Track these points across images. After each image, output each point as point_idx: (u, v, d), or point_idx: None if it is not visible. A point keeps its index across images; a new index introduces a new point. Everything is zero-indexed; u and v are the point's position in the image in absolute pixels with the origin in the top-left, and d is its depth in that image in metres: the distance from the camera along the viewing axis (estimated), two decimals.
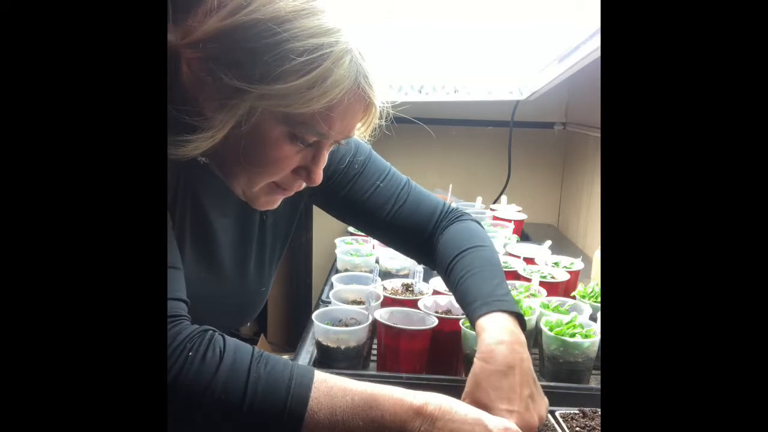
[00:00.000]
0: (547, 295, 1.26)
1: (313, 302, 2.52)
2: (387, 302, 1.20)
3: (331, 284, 1.37)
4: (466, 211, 1.05)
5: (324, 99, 0.69)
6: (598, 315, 1.12)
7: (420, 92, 2.04)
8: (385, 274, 1.49)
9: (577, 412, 0.92)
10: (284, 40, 0.66)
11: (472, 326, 0.87)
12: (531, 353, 0.89)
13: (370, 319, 1.10)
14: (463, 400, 0.79)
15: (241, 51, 0.67)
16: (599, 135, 1.92)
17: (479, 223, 1.02)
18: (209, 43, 0.68)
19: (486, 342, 0.81)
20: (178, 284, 0.70)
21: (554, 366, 1.05)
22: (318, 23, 0.68)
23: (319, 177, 0.78)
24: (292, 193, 0.81)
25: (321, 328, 1.08)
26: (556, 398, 0.93)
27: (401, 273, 1.51)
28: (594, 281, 1.39)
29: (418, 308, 1.15)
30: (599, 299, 1.23)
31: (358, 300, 1.26)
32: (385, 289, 1.29)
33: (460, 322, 1.06)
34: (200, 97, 0.71)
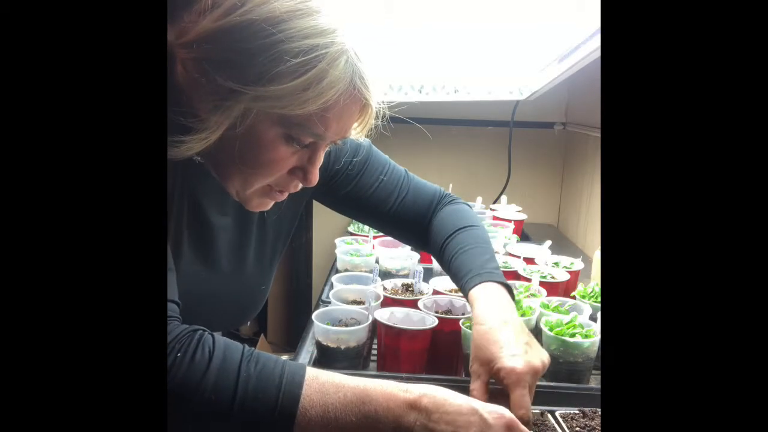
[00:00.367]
0: (547, 295, 1.26)
1: (313, 302, 2.52)
2: (387, 302, 1.20)
3: (331, 284, 1.37)
4: (461, 198, 1.10)
5: (319, 100, 0.68)
6: (598, 315, 1.12)
7: (420, 92, 2.04)
8: (385, 274, 1.49)
9: (577, 412, 0.91)
10: (279, 41, 0.66)
11: (465, 297, 0.93)
12: None
13: (370, 319, 1.10)
14: (472, 364, 0.86)
15: (235, 52, 0.67)
16: (599, 135, 1.92)
17: (469, 206, 1.09)
18: (203, 44, 0.67)
19: (478, 308, 0.88)
20: (169, 286, 0.69)
21: (554, 366, 1.05)
22: (313, 24, 0.67)
23: (315, 177, 0.78)
24: (285, 196, 0.81)
25: (321, 328, 1.08)
26: (556, 398, 0.93)
27: (401, 273, 1.50)
28: (594, 281, 1.39)
29: (418, 308, 1.15)
30: (599, 299, 1.23)
31: (358, 300, 1.26)
32: (385, 289, 1.29)
33: (460, 322, 1.06)
34: (195, 97, 0.70)
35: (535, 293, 1.26)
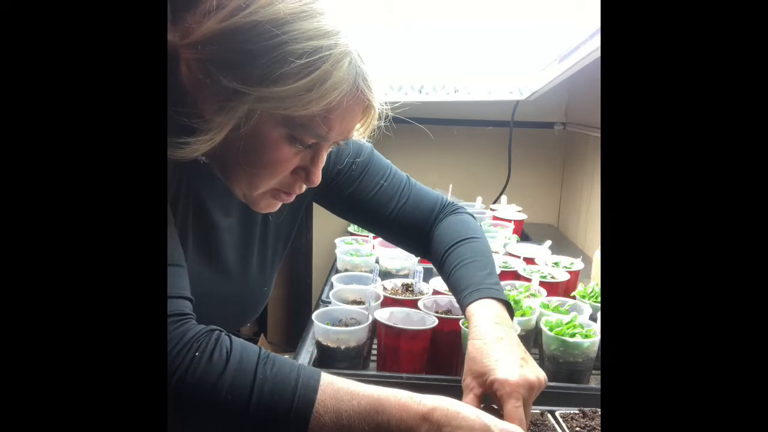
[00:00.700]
0: (547, 295, 1.26)
1: (313, 302, 2.52)
2: (387, 302, 1.20)
3: (331, 284, 1.37)
4: (464, 208, 1.08)
5: (323, 101, 0.69)
6: (598, 315, 1.12)
7: (420, 92, 2.04)
8: (385, 274, 1.49)
9: (577, 412, 0.92)
10: (283, 42, 0.66)
11: (463, 313, 0.92)
12: (531, 353, 0.90)
13: (370, 319, 1.10)
14: (465, 378, 0.85)
15: (239, 53, 0.67)
16: (599, 135, 1.92)
17: (473, 216, 1.07)
18: (208, 45, 0.67)
19: (475, 324, 0.87)
20: (182, 282, 0.69)
21: (554, 366, 1.05)
22: (317, 25, 0.67)
23: (318, 178, 0.78)
24: (293, 197, 0.81)
25: (321, 328, 1.08)
26: (556, 398, 0.93)
27: (401, 273, 1.51)
28: (594, 281, 1.39)
29: (418, 308, 1.15)
30: (599, 299, 1.23)
31: (358, 300, 1.26)
32: (385, 289, 1.29)
33: (460, 322, 1.06)
34: (199, 98, 0.71)
35: (535, 293, 1.26)
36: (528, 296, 1.23)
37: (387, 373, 1.05)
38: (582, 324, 1.08)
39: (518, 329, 0.93)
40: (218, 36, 0.67)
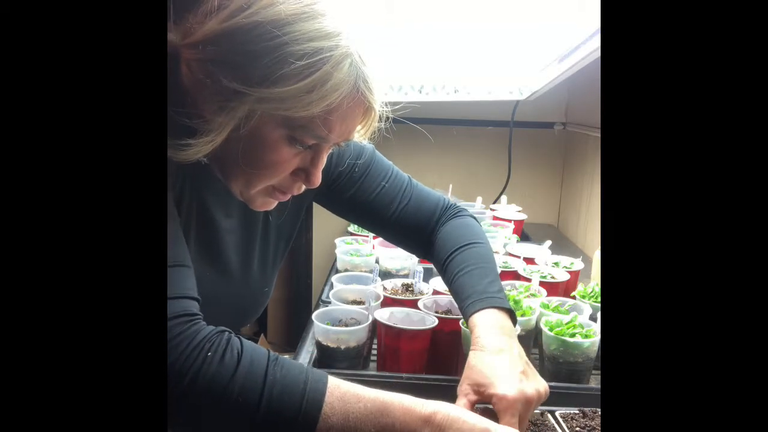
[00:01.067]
0: (547, 295, 1.26)
1: (313, 302, 2.52)
2: (387, 302, 1.20)
3: (331, 284, 1.37)
4: (467, 210, 1.08)
5: (323, 103, 0.69)
6: (598, 315, 1.12)
7: (420, 92, 2.04)
8: (385, 274, 1.49)
9: (577, 412, 0.92)
10: (284, 43, 0.66)
11: (466, 322, 0.92)
12: (531, 353, 0.91)
13: (370, 319, 1.10)
14: (462, 384, 0.84)
15: (240, 53, 0.67)
16: (599, 135, 1.92)
17: (476, 219, 1.07)
18: (209, 45, 0.68)
19: (478, 335, 0.87)
20: (190, 282, 0.70)
21: (554, 366, 1.05)
22: (318, 27, 0.68)
23: (318, 179, 0.78)
24: (288, 197, 0.81)
25: (321, 328, 1.08)
26: (556, 398, 0.93)
27: (401, 273, 1.51)
28: (594, 281, 1.39)
29: (418, 308, 1.15)
30: (599, 299, 1.23)
31: (358, 300, 1.26)
32: (385, 289, 1.29)
33: (460, 322, 1.06)
34: (199, 98, 0.71)
35: (535, 293, 1.26)
36: (528, 296, 1.23)
37: (387, 373, 1.05)
38: (582, 324, 1.08)
39: (518, 329, 0.93)
40: (219, 36, 0.67)
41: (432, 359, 1.10)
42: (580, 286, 1.32)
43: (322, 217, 2.51)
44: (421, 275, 1.29)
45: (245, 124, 0.69)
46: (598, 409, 0.91)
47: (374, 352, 1.16)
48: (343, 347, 1.07)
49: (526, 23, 1.91)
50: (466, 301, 0.92)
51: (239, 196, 0.80)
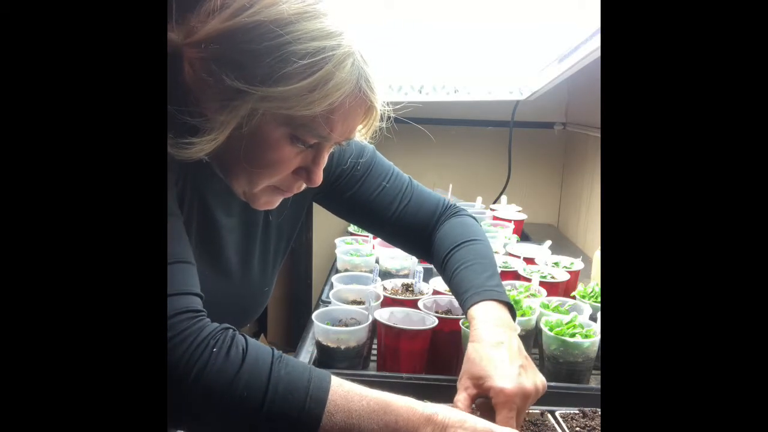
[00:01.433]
0: (547, 295, 1.26)
1: (313, 302, 2.52)
2: (387, 302, 1.21)
3: (331, 284, 1.37)
4: (466, 210, 1.08)
5: (325, 102, 0.69)
6: (598, 315, 1.12)
7: (420, 92, 2.04)
8: (385, 274, 1.49)
9: (577, 412, 0.92)
10: (286, 42, 0.66)
11: (465, 315, 0.91)
12: (531, 353, 0.90)
13: (370, 319, 1.10)
14: (461, 378, 0.85)
15: (242, 52, 0.67)
16: (599, 135, 1.92)
17: (474, 218, 1.07)
18: (211, 44, 0.68)
19: (476, 327, 0.87)
20: (193, 279, 0.70)
21: (554, 366, 1.05)
22: (320, 26, 0.68)
23: (319, 178, 0.78)
24: (291, 195, 0.81)
25: (321, 328, 1.08)
26: (556, 398, 0.93)
27: (401, 273, 1.51)
28: (594, 281, 1.39)
29: (418, 308, 1.15)
30: (599, 299, 1.23)
31: (358, 300, 1.26)
32: (385, 289, 1.29)
33: (460, 322, 1.06)
34: (202, 97, 0.71)
35: (535, 293, 1.26)
36: (528, 296, 1.23)
37: (387, 373, 1.05)
38: (582, 324, 1.08)
39: (518, 329, 0.93)
40: (222, 35, 0.67)
41: (432, 359, 1.11)
42: (580, 286, 1.32)
43: (322, 217, 2.51)
44: (421, 275, 1.29)
45: (247, 122, 0.70)
46: (598, 409, 0.91)
47: (374, 352, 1.16)
48: (343, 347, 1.07)
49: (526, 23, 1.91)
50: (465, 294, 0.92)
51: (242, 196, 0.80)
